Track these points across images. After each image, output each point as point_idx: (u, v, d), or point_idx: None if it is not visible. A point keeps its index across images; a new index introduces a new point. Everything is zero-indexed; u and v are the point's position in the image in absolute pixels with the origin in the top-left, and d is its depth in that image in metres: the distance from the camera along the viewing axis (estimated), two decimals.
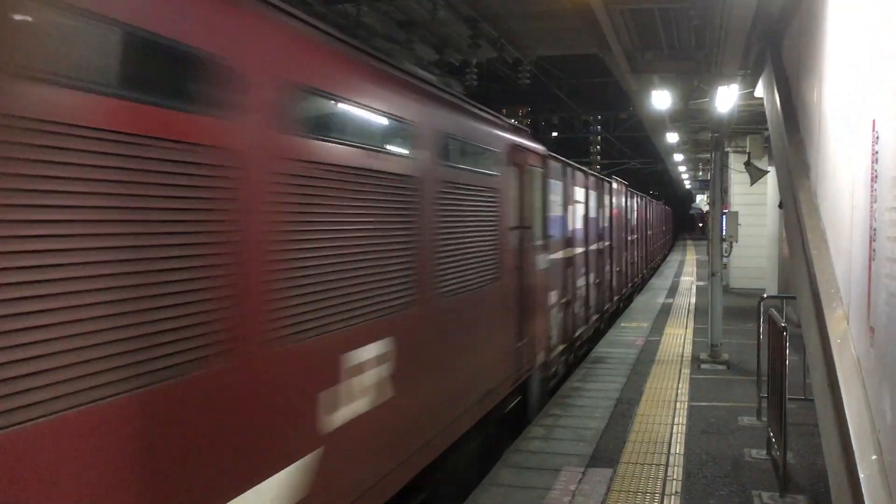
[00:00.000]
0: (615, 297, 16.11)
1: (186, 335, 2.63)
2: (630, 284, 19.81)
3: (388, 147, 4.38)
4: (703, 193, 37.62)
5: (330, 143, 3.64)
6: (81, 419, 2.20)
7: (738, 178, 19.68)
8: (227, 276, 2.83)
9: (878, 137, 2.93)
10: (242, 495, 2.93)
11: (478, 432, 6.25)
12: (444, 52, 13.13)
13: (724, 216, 13.57)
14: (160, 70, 2.59)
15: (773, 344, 6.67)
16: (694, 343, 12.47)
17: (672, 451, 6.81)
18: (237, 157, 2.90)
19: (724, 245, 13.72)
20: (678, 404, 8.48)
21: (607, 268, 14.80)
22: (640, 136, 33.84)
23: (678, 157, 26.75)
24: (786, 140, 5.43)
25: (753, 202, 19.54)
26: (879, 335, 2.82)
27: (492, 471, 6.36)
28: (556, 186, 9.93)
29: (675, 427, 7.57)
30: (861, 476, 2.78)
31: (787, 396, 5.99)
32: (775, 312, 6.86)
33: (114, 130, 2.31)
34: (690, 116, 15.68)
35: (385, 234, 4.18)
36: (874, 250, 2.92)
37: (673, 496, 5.73)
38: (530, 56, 14.37)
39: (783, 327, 6.18)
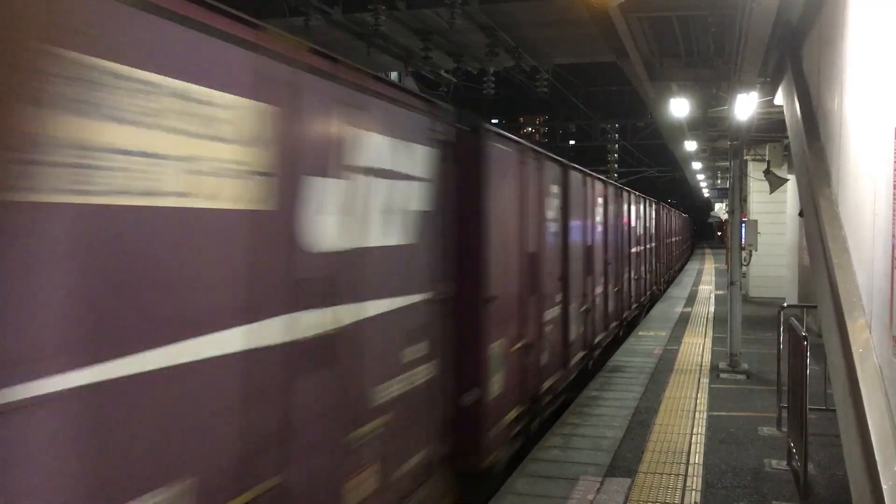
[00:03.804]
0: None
1: None
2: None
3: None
4: (722, 202, 37.40)
5: None
6: None
7: (757, 187, 19.54)
8: None
9: None
10: None
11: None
12: (461, 61, 13.18)
13: (743, 225, 13.49)
14: None
15: (794, 353, 6.60)
16: (713, 352, 12.37)
17: (691, 461, 6.75)
18: None
19: (744, 254, 13.62)
20: (697, 414, 8.41)
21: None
22: (657, 144, 33.70)
23: (696, 165, 26.61)
24: (806, 148, 5.39)
25: (773, 210, 19.39)
26: None
27: (508, 479, 6.34)
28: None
29: (693, 437, 7.51)
30: (885, 487, 2.74)
31: (808, 406, 5.93)
32: (795, 321, 6.80)
33: None
34: (709, 124, 15.61)
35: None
36: None
37: None
38: (547, 64, 14.39)
39: (804, 336, 6.12)
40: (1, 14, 1.94)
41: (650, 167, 46.05)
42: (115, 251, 2.36)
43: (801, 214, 7.77)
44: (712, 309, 18.87)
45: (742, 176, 13.36)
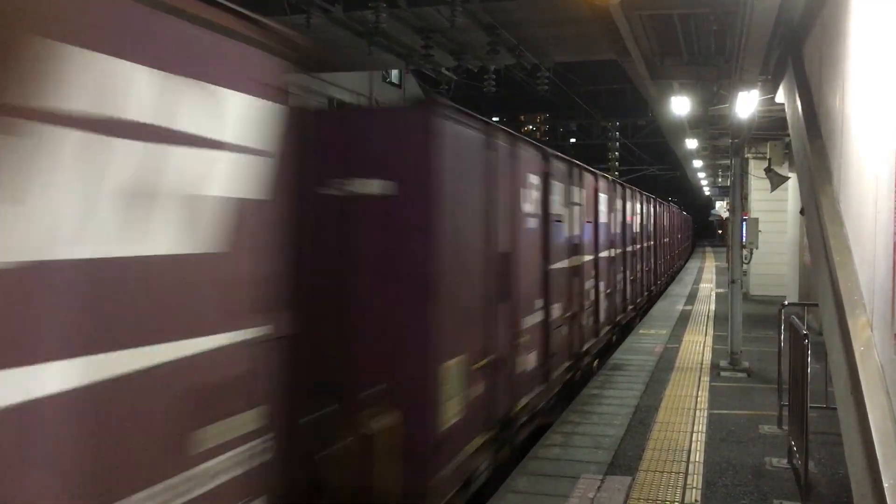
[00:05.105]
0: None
1: None
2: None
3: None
4: (723, 200, 37.42)
5: None
6: None
7: (757, 185, 19.52)
8: None
9: None
10: None
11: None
12: (462, 59, 13.17)
13: (744, 223, 13.48)
14: None
15: (795, 351, 6.60)
16: (713, 350, 12.37)
17: (692, 459, 6.76)
18: None
19: (744, 252, 13.61)
20: (698, 412, 8.41)
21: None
22: (658, 143, 33.73)
23: (697, 163, 26.61)
24: (808, 146, 5.39)
25: (774, 209, 19.36)
26: None
27: (509, 478, 6.34)
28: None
29: (694, 435, 7.51)
30: (886, 485, 2.74)
31: (809, 404, 5.93)
32: (796, 320, 6.80)
33: None
34: (710, 122, 15.60)
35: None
36: None
37: None
38: (548, 62, 14.38)
39: (805, 335, 6.12)
40: None
41: (651, 165, 46.06)
42: None
43: (802, 212, 7.77)
44: (713, 307, 18.87)
45: (743, 174, 13.36)
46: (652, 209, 20.24)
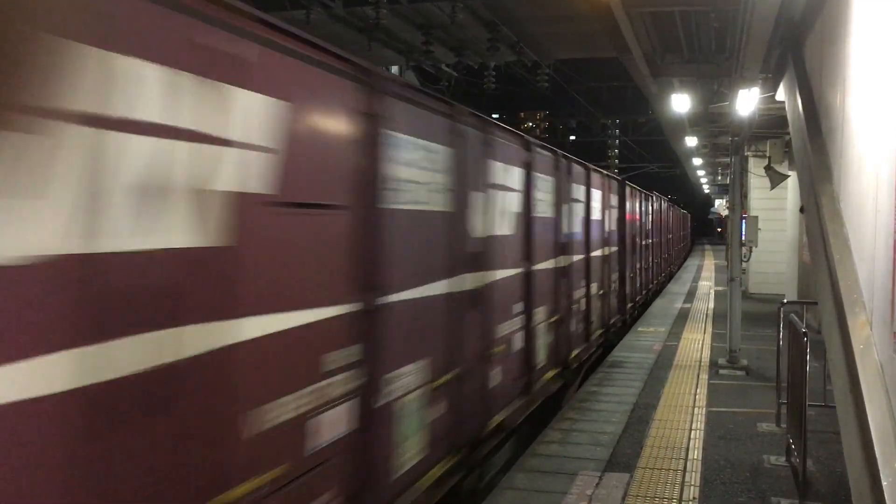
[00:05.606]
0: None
1: None
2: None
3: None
4: (722, 198, 37.43)
5: None
6: None
7: (757, 183, 19.53)
8: None
9: None
10: None
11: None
12: (462, 55, 13.17)
13: (743, 221, 13.47)
14: None
15: (793, 350, 6.60)
16: (712, 348, 12.38)
17: (690, 456, 6.76)
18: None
19: (744, 250, 13.61)
20: (696, 410, 8.42)
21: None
22: (658, 140, 33.74)
23: (697, 161, 26.61)
24: (808, 144, 5.38)
25: (773, 207, 19.38)
26: None
27: (507, 475, 6.35)
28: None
29: (692, 432, 7.52)
30: (884, 483, 2.74)
31: (808, 403, 5.94)
32: (795, 318, 6.80)
33: None
34: (710, 120, 15.61)
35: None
36: None
37: (691, 502, 5.69)
38: (549, 59, 14.38)
39: (804, 333, 6.12)
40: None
41: (650, 163, 46.09)
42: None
43: (802, 210, 7.78)
44: (712, 305, 18.88)
45: (743, 172, 13.35)
46: (629, 202, 15.01)
